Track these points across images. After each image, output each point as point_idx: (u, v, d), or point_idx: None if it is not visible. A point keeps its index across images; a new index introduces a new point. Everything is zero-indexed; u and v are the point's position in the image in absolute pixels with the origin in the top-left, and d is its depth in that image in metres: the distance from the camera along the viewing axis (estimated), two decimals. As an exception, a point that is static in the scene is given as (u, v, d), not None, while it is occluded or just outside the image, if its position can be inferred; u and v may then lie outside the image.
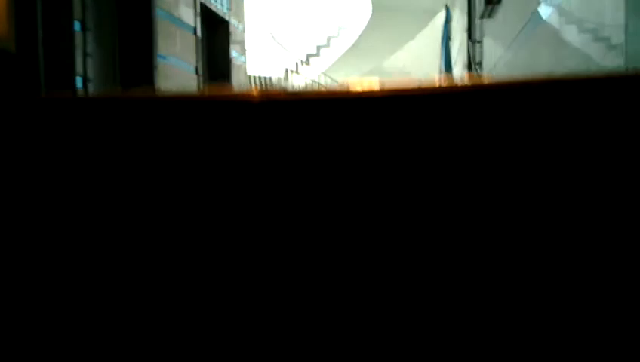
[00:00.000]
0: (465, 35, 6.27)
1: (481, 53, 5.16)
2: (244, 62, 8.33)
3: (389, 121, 0.46)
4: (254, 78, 9.29)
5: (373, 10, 10.10)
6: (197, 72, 6.20)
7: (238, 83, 7.96)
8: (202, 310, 0.47)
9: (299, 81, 10.58)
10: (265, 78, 10.19)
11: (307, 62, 10.85)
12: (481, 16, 4.89)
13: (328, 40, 10.88)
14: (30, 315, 0.48)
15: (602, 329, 0.44)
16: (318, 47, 10.93)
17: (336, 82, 10.96)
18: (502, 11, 4.05)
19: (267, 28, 10.52)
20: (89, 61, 3.37)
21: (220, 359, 0.47)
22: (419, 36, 11.25)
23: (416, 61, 11.80)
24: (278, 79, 10.51)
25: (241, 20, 8.16)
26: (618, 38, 1.49)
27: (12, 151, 0.48)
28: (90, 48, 3.43)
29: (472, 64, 5.50)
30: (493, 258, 0.45)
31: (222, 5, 6.83)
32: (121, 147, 0.48)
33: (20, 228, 0.48)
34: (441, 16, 11.28)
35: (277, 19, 10.80)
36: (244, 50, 8.34)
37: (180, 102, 0.50)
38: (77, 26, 3.27)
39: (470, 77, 5.44)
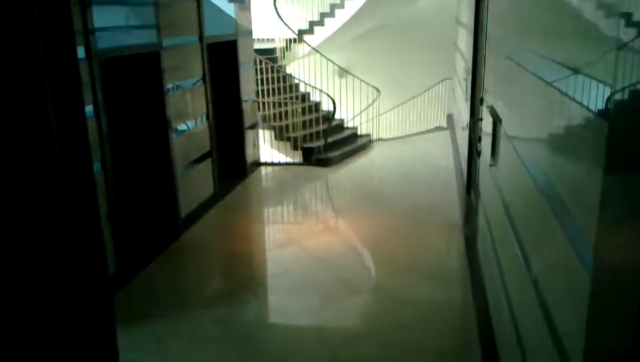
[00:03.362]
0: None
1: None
2: (250, 35, 8.26)
3: None
4: (257, 49, 9.17)
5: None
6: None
7: (246, 56, 7.93)
8: None
9: (301, 51, 10.48)
10: (268, 49, 10.08)
11: (311, 31, 10.74)
12: None
13: (332, 9, 10.73)
14: None
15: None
16: (322, 16, 10.79)
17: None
18: None
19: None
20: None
21: None
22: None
23: (422, 17, 11.65)
24: (282, 49, 10.40)
25: (245, -9, 8.05)
26: None
27: None
28: None
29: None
30: None
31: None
32: None
33: None
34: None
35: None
36: (250, 20, 8.26)
37: None
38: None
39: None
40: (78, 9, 4.12)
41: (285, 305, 4.61)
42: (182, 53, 5.99)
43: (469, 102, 6.59)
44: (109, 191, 4.58)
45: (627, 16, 1.47)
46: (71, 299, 3.92)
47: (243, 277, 5.10)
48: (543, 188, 2.45)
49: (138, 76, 5.41)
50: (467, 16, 7.72)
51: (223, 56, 7.40)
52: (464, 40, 8.22)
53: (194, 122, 6.33)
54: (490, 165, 4.33)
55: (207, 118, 6.63)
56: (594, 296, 1.59)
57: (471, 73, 6.53)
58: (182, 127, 6.00)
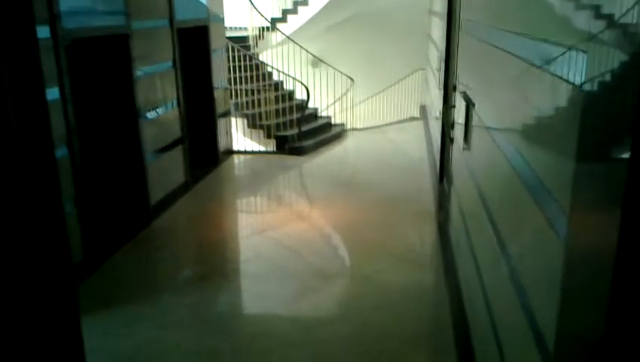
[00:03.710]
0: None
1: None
2: (222, 21, 8.14)
3: None
4: (229, 37, 9.05)
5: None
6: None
7: (217, 42, 7.81)
8: None
9: (274, 39, 10.38)
10: (241, 37, 9.95)
11: (284, 19, 10.63)
12: None
13: (306, -3, 10.65)
14: None
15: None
16: (295, 4, 10.69)
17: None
18: None
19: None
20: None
21: None
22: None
23: (396, 7, 11.66)
24: (255, 37, 10.29)
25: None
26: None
27: None
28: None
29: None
30: None
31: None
32: None
33: None
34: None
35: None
36: (222, 7, 8.13)
37: None
38: None
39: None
40: (42, -14, 3.97)
41: (258, 290, 4.56)
42: (151, 36, 5.86)
43: (442, 90, 6.62)
44: (76, 175, 4.45)
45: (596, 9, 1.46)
46: (31, 286, 3.81)
47: (214, 263, 5.02)
48: (517, 168, 2.45)
49: (107, 60, 5.27)
50: (440, 4, 7.74)
51: (194, 42, 7.27)
52: (438, 29, 8.25)
53: (164, 108, 6.20)
54: (463, 149, 4.35)
55: (178, 104, 6.51)
56: (567, 276, 1.58)
57: (444, 61, 6.55)
58: (152, 112, 5.88)
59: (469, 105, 4.11)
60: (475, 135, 3.90)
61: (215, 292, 4.46)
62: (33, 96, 3.88)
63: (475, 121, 3.92)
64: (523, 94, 2.46)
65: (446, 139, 6.31)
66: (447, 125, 6.20)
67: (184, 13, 6.60)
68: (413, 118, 11.44)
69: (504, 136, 2.82)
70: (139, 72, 5.48)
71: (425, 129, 10.02)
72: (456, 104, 5.19)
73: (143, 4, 5.63)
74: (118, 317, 4.02)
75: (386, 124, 10.95)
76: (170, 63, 6.29)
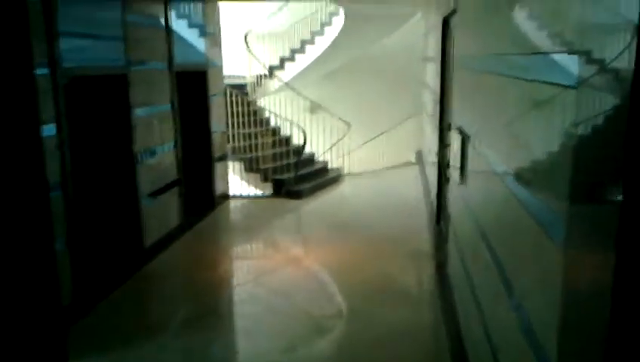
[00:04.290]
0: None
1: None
2: (221, 66, 8.29)
3: None
4: (228, 84, 9.21)
5: (345, 18, 10.15)
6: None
7: (216, 87, 7.93)
8: None
9: (272, 86, 10.55)
10: (239, 84, 10.12)
11: (282, 66, 10.84)
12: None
13: (303, 45, 10.89)
14: None
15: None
16: (293, 52, 10.93)
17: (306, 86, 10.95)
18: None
19: (241, 32, 10.46)
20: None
21: None
22: (393, 35, 11.37)
23: (391, 55, 11.93)
24: (252, 84, 10.46)
25: (216, 23, 8.13)
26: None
27: None
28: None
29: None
30: None
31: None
32: None
33: None
34: (415, 19, 11.47)
35: (251, 24, 10.74)
36: (221, 54, 8.30)
37: None
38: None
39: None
40: (44, 37, 4.05)
41: (252, 332, 4.42)
42: (150, 78, 5.93)
43: (437, 131, 6.66)
44: (70, 215, 4.39)
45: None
46: (19, 327, 3.69)
47: (208, 307, 4.90)
48: (516, 194, 2.42)
49: (106, 99, 5.31)
50: (434, 48, 7.90)
51: (193, 86, 7.36)
52: (432, 73, 8.40)
53: (161, 150, 6.21)
54: (459, 183, 4.33)
55: (175, 147, 6.53)
56: (567, 310, 1.55)
57: (439, 101, 6.63)
58: (148, 153, 5.87)
59: (465, 138, 4.12)
60: (471, 167, 3.89)
61: (207, 339, 4.32)
62: (29, 135, 3.89)
63: (470, 154, 3.92)
64: (517, 132, 2.46)
65: (442, 179, 6.31)
66: (442, 165, 6.21)
67: (183, 58, 6.72)
68: (409, 163, 11.49)
69: (501, 167, 2.80)
70: (137, 112, 5.52)
71: (421, 173, 10.05)
72: (452, 142, 5.21)
73: (143, 47, 5.73)
74: (109, 360, 3.88)
75: (383, 169, 10.97)
76: (168, 106, 6.35)
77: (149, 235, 5.80)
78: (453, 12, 5.45)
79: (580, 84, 1.54)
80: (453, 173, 4.90)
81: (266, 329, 4.40)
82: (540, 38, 2.20)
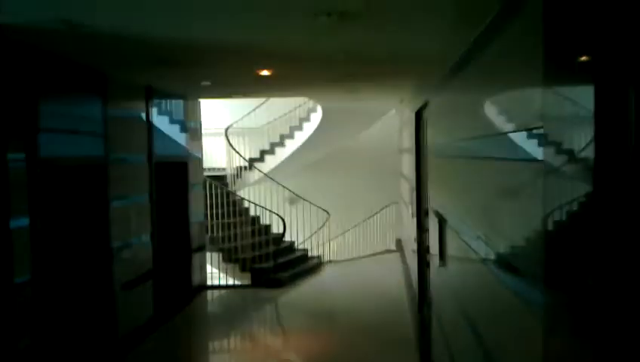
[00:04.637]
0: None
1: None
2: (201, 158, 8.42)
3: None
4: (208, 176, 9.31)
5: (323, 113, 10.55)
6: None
7: (195, 178, 8.00)
8: None
9: (252, 178, 10.69)
10: (219, 176, 10.23)
11: (262, 159, 11.05)
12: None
13: (282, 139, 11.19)
14: None
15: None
16: (272, 145, 11.19)
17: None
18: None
19: (222, 127, 10.74)
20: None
21: None
22: (370, 130, 11.77)
23: (368, 147, 12.28)
24: (232, 175, 10.58)
25: (197, 119, 8.36)
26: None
27: None
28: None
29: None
30: None
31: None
32: None
33: None
34: (391, 114, 11.96)
35: (232, 120, 11.06)
36: (201, 147, 8.46)
37: None
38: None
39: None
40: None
41: None
42: (129, 171, 5.98)
43: (415, 217, 6.74)
44: (39, 314, 4.22)
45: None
46: None
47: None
48: (496, 270, 2.44)
49: (83, 189, 5.29)
50: (409, 139, 8.19)
51: (172, 178, 7.42)
52: (408, 162, 8.63)
53: (137, 240, 6.13)
54: (440, 266, 4.33)
55: (152, 238, 6.45)
56: None
57: (415, 189, 6.77)
58: (124, 244, 5.79)
59: (442, 221, 4.17)
60: (450, 248, 3.91)
61: None
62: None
63: (448, 235, 3.96)
64: (490, 212, 2.53)
65: (423, 264, 6.30)
66: (422, 250, 6.23)
67: (163, 150, 6.83)
68: (389, 251, 11.47)
69: (477, 238, 2.83)
70: (114, 204, 5.50)
71: (401, 261, 10.01)
72: (430, 226, 5.26)
73: (123, 140, 5.83)
74: None
75: (363, 257, 10.92)
76: (145, 197, 6.36)
77: (123, 327, 5.58)
78: (425, 104, 5.72)
79: (545, 158, 1.61)
80: (433, 258, 4.91)
81: None
82: (502, 122, 2.32)
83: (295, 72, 5.76)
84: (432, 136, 5.15)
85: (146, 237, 6.32)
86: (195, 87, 6.78)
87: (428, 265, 5.70)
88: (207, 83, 6.37)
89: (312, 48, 4.53)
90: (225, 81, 6.31)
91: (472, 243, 2.95)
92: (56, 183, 4.96)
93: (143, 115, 6.40)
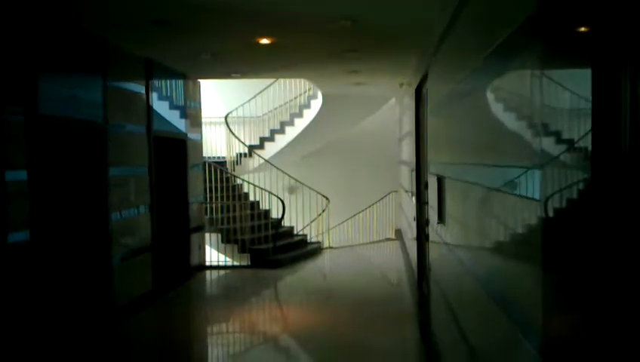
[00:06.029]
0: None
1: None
2: (200, 140, 8.41)
3: None
4: (209, 161, 9.31)
5: (323, 100, 10.53)
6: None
7: (195, 159, 7.98)
8: None
9: (252, 165, 10.67)
10: (220, 162, 10.22)
11: (262, 146, 11.04)
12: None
13: (282, 126, 11.19)
14: None
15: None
16: (272, 132, 11.19)
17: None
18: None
19: (222, 114, 10.74)
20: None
21: None
22: (370, 119, 11.77)
23: (368, 136, 12.28)
24: (232, 162, 10.57)
25: (197, 100, 8.35)
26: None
27: None
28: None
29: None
30: None
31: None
32: None
33: None
34: (390, 104, 11.96)
35: (232, 107, 11.06)
36: (200, 129, 8.45)
37: None
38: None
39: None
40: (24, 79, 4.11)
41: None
42: (128, 138, 5.96)
43: (416, 189, 6.72)
44: (36, 268, 4.19)
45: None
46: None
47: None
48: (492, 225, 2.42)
49: (82, 154, 5.28)
50: (408, 125, 8.17)
51: (171, 155, 7.40)
52: (407, 149, 8.61)
53: (136, 210, 6.11)
54: (438, 223, 4.30)
55: (150, 210, 6.43)
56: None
57: (415, 168, 6.75)
58: (123, 212, 5.76)
59: (441, 180, 4.16)
60: (449, 206, 3.89)
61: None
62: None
63: (447, 192, 3.94)
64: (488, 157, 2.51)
65: (422, 237, 6.27)
66: (422, 223, 6.20)
67: (162, 125, 6.82)
68: (388, 239, 11.44)
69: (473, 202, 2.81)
70: (112, 171, 5.48)
71: (401, 248, 9.99)
72: (430, 193, 5.24)
73: (121, 107, 5.81)
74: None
75: (362, 244, 10.90)
76: (145, 169, 6.34)
77: (120, 297, 5.55)
78: (425, 76, 5.71)
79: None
80: (432, 214, 4.88)
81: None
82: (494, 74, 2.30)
83: (296, 42, 5.75)
84: (432, 101, 5.13)
85: (144, 209, 6.30)
86: (195, 62, 6.77)
87: (427, 237, 5.69)
88: (207, 56, 6.37)
89: (313, 10, 4.53)
90: (224, 53, 6.29)
91: (471, 190, 2.94)
92: (55, 143, 4.94)
93: (143, 88, 6.39)
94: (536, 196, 1.68)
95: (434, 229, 4.74)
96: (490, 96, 2.49)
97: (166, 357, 4.94)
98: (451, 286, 3.80)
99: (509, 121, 2.16)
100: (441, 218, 4.16)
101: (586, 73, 1.28)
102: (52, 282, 4.74)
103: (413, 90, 6.99)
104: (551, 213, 1.57)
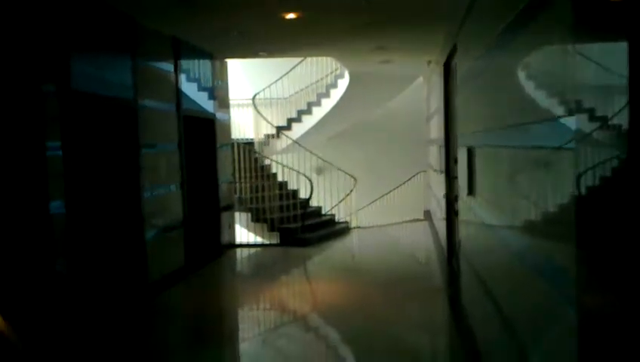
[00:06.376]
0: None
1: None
2: (228, 120, 8.47)
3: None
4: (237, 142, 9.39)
5: (350, 79, 10.45)
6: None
7: (223, 138, 8.05)
8: None
9: (280, 145, 10.70)
10: (248, 142, 10.29)
11: (289, 127, 11.05)
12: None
13: (309, 106, 11.17)
14: None
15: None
16: (299, 113, 11.18)
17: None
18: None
19: (250, 96, 10.77)
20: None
21: None
22: (397, 98, 11.66)
23: (395, 117, 12.19)
24: (260, 143, 10.62)
25: (224, 80, 8.39)
26: None
27: None
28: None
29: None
30: None
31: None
32: None
33: None
34: (418, 83, 11.81)
35: (259, 88, 11.08)
36: (228, 109, 8.50)
37: None
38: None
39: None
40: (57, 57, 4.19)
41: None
42: (158, 116, 6.04)
43: (445, 165, 6.66)
44: (71, 237, 4.31)
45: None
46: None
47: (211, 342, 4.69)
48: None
49: (113, 131, 5.36)
50: (437, 103, 8.06)
51: (200, 134, 7.46)
52: (436, 127, 8.50)
53: (167, 188, 6.21)
54: (468, 195, 4.25)
55: (181, 187, 6.53)
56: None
57: (444, 141, 6.68)
58: (155, 189, 5.86)
59: (471, 150, 4.10)
60: (479, 176, 3.84)
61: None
62: (33, 147, 3.90)
63: (477, 163, 3.89)
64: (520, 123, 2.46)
65: (451, 213, 6.22)
66: (451, 199, 6.15)
67: (191, 104, 6.89)
68: (417, 220, 11.38)
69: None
70: (144, 149, 5.57)
71: (430, 227, 9.92)
72: (459, 168, 5.18)
73: (151, 85, 5.88)
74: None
75: (390, 224, 10.86)
76: (175, 146, 6.42)
77: (153, 272, 5.67)
78: (454, 49, 5.61)
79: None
80: (462, 188, 4.82)
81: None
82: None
83: (321, 15, 5.71)
84: (461, 73, 5.04)
85: (176, 187, 6.40)
86: (222, 41, 6.79)
87: (456, 213, 5.64)
88: (233, 34, 6.37)
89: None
90: (250, 31, 6.29)
91: (504, 155, 2.89)
92: (88, 120, 5.03)
93: (171, 66, 6.45)
94: (570, 147, 1.65)
95: (464, 203, 4.69)
96: (522, 59, 2.43)
97: (197, 328, 5.04)
98: (482, 259, 3.76)
99: (542, 85, 2.11)
100: (471, 190, 4.12)
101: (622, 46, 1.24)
102: (88, 255, 4.87)
103: (441, 67, 6.89)
104: (584, 167, 1.54)
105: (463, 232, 4.91)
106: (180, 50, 6.60)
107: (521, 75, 2.45)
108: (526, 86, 2.38)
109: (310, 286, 6.70)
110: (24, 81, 3.91)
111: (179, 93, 6.54)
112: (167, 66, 6.39)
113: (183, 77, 6.68)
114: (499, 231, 3.08)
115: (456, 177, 5.62)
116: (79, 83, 4.46)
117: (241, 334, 5.07)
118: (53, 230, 4.05)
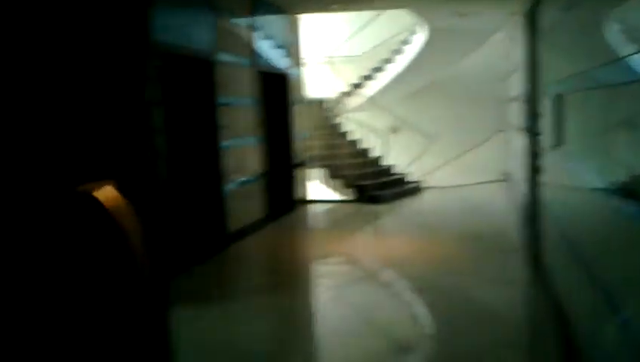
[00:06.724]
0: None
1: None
2: (301, 77, 8.45)
3: None
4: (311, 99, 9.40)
5: (425, 34, 10.07)
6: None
7: (296, 95, 8.07)
8: None
9: (354, 102, 10.61)
10: (322, 100, 10.27)
11: (363, 84, 10.91)
12: None
13: (383, 63, 10.94)
14: None
15: None
16: (374, 70, 10.99)
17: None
18: None
19: (324, 54, 10.69)
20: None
21: None
22: (476, 55, 11.18)
23: (473, 75, 11.74)
24: (334, 101, 10.57)
25: (297, 36, 8.35)
26: None
27: None
28: None
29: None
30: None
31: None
32: None
33: None
34: (497, 38, 11.22)
35: (333, 45, 10.96)
36: (300, 65, 8.47)
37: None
38: None
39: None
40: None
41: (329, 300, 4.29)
42: (234, 70, 6.11)
43: (529, 120, 6.35)
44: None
45: None
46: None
47: (287, 280, 4.82)
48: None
49: (192, 84, 5.48)
50: (520, 57, 7.63)
51: (274, 89, 7.50)
52: (517, 83, 8.09)
53: (245, 140, 6.35)
54: (554, 148, 4.03)
55: (260, 141, 6.66)
56: None
57: (528, 95, 6.35)
58: (233, 141, 5.98)
59: (559, 98, 3.87)
60: (569, 125, 3.62)
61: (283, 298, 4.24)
62: (136, 98, 4.05)
63: (566, 109, 3.66)
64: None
65: (534, 171, 5.96)
66: (533, 155, 5.88)
67: (265, 60, 6.93)
68: (495, 180, 11.00)
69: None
70: (221, 100, 5.67)
71: (510, 188, 9.58)
72: (545, 119, 4.91)
73: (228, 38, 5.94)
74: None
75: (467, 185, 10.58)
76: (251, 100, 6.51)
77: (233, 221, 5.89)
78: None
79: None
80: (546, 141, 4.57)
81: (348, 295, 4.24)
82: None
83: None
84: (548, 20, 4.71)
85: (253, 141, 6.52)
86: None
87: (538, 171, 5.39)
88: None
89: None
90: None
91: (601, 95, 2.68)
92: (170, 74, 5.17)
93: (247, 21, 6.48)
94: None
95: (549, 158, 4.46)
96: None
97: (269, 269, 5.18)
98: (568, 214, 3.57)
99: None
100: (558, 141, 3.90)
101: None
102: (175, 205, 5.09)
103: (525, 18, 6.50)
104: None
105: (548, 191, 4.69)
106: (255, 5, 6.61)
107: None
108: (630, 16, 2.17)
109: (387, 241, 6.69)
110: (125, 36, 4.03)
111: (254, 48, 6.58)
112: (243, 19, 6.43)
113: (257, 32, 6.71)
114: (594, 185, 2.89)
115: (539, 133, 5.35)
116: (161, 36, 4.57)
117: (320, 281, 5.16)
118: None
